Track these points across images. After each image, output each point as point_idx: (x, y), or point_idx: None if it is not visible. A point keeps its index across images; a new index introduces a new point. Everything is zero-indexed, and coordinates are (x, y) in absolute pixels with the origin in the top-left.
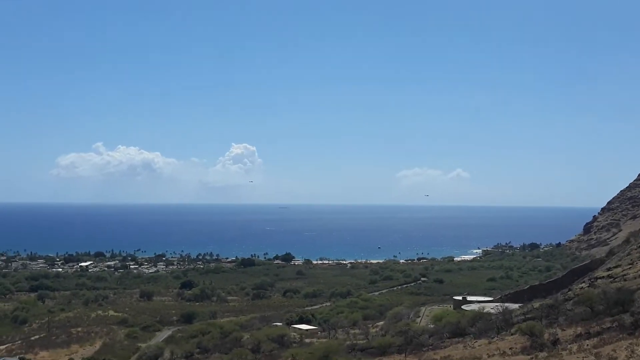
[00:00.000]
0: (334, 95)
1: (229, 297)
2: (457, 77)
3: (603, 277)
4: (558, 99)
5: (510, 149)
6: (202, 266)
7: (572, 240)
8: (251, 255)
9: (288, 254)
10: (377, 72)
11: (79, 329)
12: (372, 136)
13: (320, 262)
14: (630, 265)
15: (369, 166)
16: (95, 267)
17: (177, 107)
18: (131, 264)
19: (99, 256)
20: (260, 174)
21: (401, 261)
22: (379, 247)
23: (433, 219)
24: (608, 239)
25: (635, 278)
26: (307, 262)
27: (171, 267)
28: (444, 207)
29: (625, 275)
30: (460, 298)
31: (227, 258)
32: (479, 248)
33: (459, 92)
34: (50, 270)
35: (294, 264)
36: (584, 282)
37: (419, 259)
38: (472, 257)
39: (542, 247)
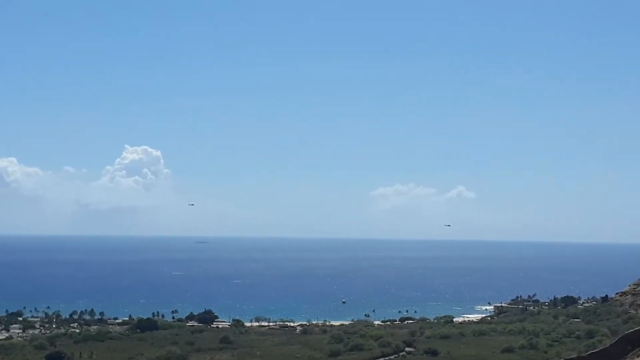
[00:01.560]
0: (281, 76)
1: None
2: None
3: None
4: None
5: (535, 160)
6: (77, 330)
7: (624, 293)
8: (152, 314)
9: (208, 313)
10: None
11: None
12: (335, 138)
13: (257, 324)
14: None
15: (330, 181)
16: None
17: (39, 89)
18: None
19: None
20: (168, 191)
21: (376, 323)
22: (344, 302)
23: (423, 259)
24: None
25: None
26: (237, 324)
27: (31, 331)
28: (438, 241)
29: None
30: None
31: (116, 318)
32: (489, 304)
33: (461, 70)
34: None
35: (217, 328)
36: None
37: (402, 320)
38: (480, 316)
39: (581, 302)
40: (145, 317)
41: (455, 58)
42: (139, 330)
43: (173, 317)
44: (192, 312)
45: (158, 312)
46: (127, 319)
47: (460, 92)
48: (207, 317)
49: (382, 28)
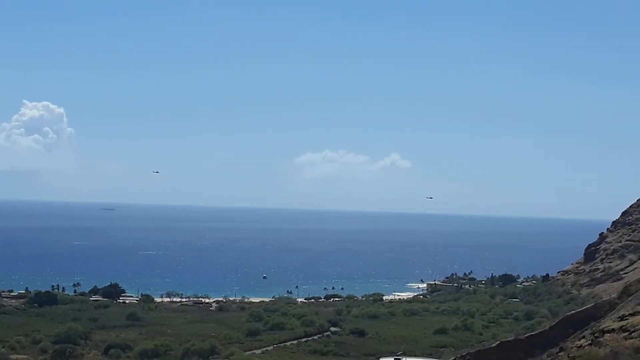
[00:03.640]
0: (200, 32)
1: (13, 357)
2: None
3: (613, 330)
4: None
5: (479, 128)
6: None
7: (566, 272)
8: (52, 287)
9: (114, 287)
10: None
11: None
12: (257, 100)
13: (168, 299)
14: None
15: (251, 146)
16: None
17: None
18: None
19: None
20: (71, 152)
21: (299, 300)
22: (264, 277)
23: (352, 232)
24: (622, 270)
25: None
26: (146, 299)
27: None
28: (370, 213)
29: None
30: None
31: (10, 291)
32: (422, 281)
33: (395, 31)
34: None
35: (124, 303)
36: (583, 337)
37: (327, 298)
38: (411, 294)
39: (520, 280)
40: (43, 291)
41: (390, 20)
42: (36, 305)
43: (75, 291)
44: (96, 286)
45: (58, 285)
46: (23, 292)
47: (394, 52)
48: (113, 292)
49: None
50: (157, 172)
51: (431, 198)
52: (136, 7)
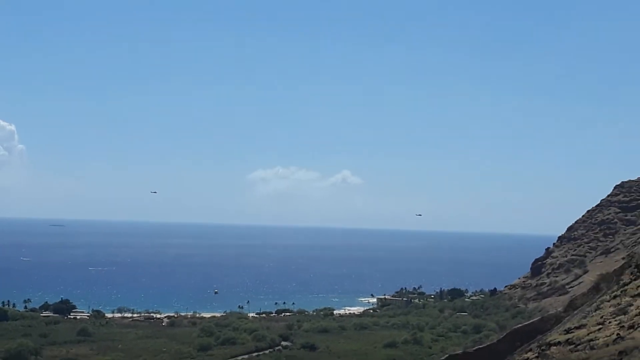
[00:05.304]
0: (149, 48)
1: None
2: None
3: (559, 343)
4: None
5: (428, 146)
6: None
7: (513, 286)
8: (2, 303)
9: (65, 302)
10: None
11: None
12: (208, 116)
13: (119, 315)
14: (601, 326)
15: (203, 163)
16: None
17: None
18: None
19: None
20: (22, 169)
21: (250, 315)
22: (216, 292)
23: (304, 248)
24: (567, 284)
25: (607, 345)
26: (97, 315)
27: None
28: (321, 229)
29: (592, 341)
30: None
31: None
32: (372, 295)
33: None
34: None
35: (75, 319)
36: (530, 350)
37: (278, 312)
38: (362, 309)
39: (468, 294)
40: None
41: (342, 37)
42: None
43: (25, 307)
44: (47, 302)
45: (9, 301)
46: None
47: (345, 69)
48: (64, 308)
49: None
50: (155, 192)
51: (420, 215)
52: (88, 26)
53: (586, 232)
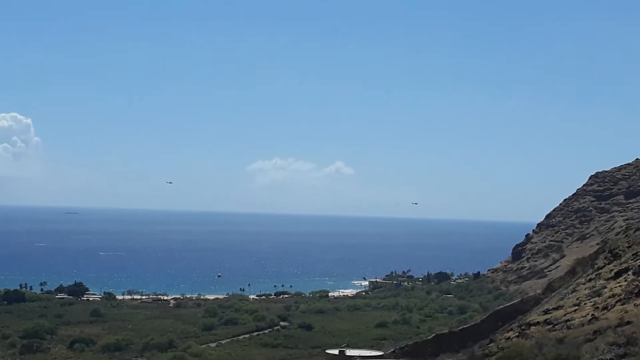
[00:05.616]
0: (152, 42)
1: None
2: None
3: (538, 323)
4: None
5: (415, 139)
6: None
7: (495, 270)
8: (20, 286)
9: (78, 285)
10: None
11: None
12: (211, 110)
13: (129, 297)
14: (577, 307)
15: (206, 155)
16: None
17: None
18: None
19: None
20: (38, 160)
21: (251, 297)
22: (219, 276)
23: (300, 234)
24: (546, 268)
25: (582, 325)
26: (108, 297)
27: None
28: (317, 217)
29: (569, 321)
30: (336, 352)
31: None
32: (364, 278)
33: (335, 41)
34: None
35: (88, 300)
36: (511, 329)
37: (277, 294)
38: (354, 291)
39: (454, 278)
40: (12, 289)
41: (336, 32)
42: (5, 302)
43: (42, 290)
44: (61, 285)
45: (26, 284)
46: None
47: (338, 63)
48: (78, 290)
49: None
50: (171, 182)
51: (416, 204)
52: (100, 21)
53: (563, 219)
